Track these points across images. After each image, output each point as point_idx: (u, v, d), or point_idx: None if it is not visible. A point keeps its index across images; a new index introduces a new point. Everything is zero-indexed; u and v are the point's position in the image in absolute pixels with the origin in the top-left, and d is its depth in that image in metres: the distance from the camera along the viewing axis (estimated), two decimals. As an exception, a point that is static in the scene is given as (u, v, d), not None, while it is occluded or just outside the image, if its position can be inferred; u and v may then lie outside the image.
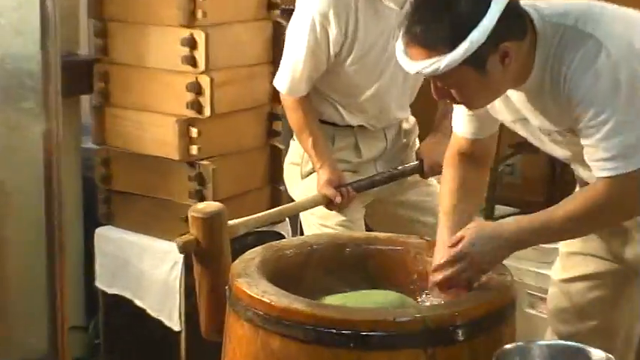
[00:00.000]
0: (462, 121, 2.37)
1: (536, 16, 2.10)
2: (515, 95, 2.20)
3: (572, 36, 2.07)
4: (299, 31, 2.88)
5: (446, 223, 2.31)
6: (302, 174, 3.12)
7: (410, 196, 3.16)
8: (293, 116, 2.99)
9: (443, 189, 2.40)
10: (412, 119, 3.22)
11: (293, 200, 3.13)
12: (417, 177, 3.16)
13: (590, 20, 2.08)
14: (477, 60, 2.01)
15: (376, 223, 3.24)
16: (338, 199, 2.89)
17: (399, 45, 2.08)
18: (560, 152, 2.29)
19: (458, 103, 2.18)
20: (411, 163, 3.13)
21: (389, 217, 3.17)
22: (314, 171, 3.03)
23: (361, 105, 3.01)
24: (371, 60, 2.92)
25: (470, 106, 2.21)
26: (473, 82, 2.06)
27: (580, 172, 2.35)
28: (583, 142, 2.09)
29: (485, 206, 4.22)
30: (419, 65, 2.03)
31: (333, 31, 2.83)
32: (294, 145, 3.15)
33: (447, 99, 2.14)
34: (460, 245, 2.14)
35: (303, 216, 3.11)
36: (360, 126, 3.06)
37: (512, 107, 2.24)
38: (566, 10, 2.11)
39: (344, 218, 2.99)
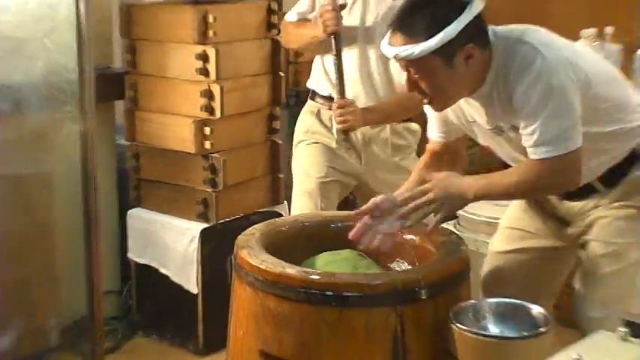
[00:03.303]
0: (433, 125, 2.34)
1: (491, 32, 2.09)
2: (465, 102, 2.18)
3: (515, 44, 2.06)
4: None
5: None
6: (294, 144, 3.08)
7: (404, 163, 2.93)
8: (290, 35, 2.99)
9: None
10: (415, 126, 2.97)
11: (292, 186, 3.04)
12: (413, 162, 2.79)
13: (530, 32, 2.09)
14: (446, 53, 2.01)
15: (367, 194, 2.77)
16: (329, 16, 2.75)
17: (385, 37, 2.08)
18: (507, 152, 2.24)
19: (426, 97, 2.12)
20: None
21: (380, 184, 2.89)
22: (300, 141, 3.00)
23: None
24: (353, 15, 2.84)
25: (436, 101, 2.13)
26: (440, 73, 2.04)
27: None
28: (522, 131, 2.07)
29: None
30: (397, 49, 2.04)
31: None
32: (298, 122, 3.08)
33: (417, 91, 2.10)
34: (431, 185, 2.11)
35: (294, 170, 3.03)
36: None
37: (462, 112, 2.22)
38: (512, 28, 2.12)
39: (323, 174, 2.91)
